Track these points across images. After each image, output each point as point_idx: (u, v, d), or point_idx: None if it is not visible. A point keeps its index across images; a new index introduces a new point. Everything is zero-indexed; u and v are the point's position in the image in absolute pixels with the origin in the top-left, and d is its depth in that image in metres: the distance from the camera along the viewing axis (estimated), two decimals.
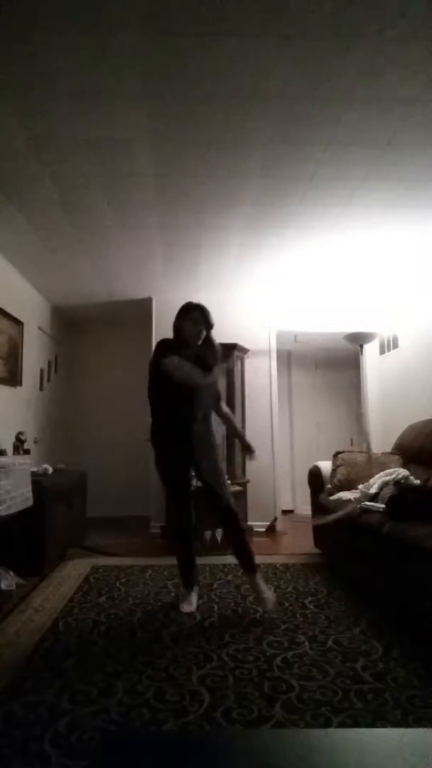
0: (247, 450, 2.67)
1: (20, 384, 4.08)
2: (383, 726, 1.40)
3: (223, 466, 2.71)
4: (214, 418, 2.58)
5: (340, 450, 3.64)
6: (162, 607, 2.43)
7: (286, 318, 4.97)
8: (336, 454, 3.52)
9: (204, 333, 2.44)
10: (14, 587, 2.65)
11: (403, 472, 2.86)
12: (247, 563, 2.38)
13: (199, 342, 2.45)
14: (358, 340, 4.81)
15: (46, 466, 3.47)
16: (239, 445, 4.60)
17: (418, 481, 2.76)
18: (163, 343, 2.46)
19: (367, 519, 2.52)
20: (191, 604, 2.40)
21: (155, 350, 2.48)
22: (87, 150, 2.41)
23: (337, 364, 6.11)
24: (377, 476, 2.92)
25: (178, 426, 2.42)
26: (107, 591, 2.67)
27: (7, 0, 1.59)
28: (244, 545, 2.39)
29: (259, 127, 2.23)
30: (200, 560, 3.26)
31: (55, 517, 3.16)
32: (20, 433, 3.60)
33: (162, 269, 4.11)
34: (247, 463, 4.66)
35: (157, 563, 3.24)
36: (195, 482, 2.54)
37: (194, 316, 2.43)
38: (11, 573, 2.71)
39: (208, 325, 2.44)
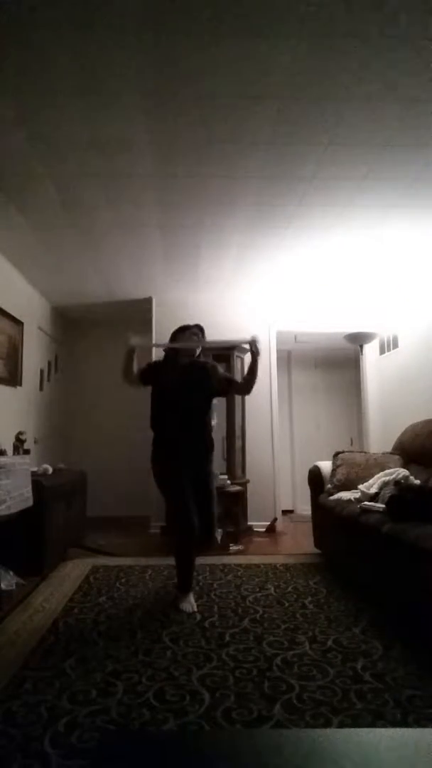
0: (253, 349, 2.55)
1: (20, 384, 4.08)
2: (383, 726, 1.40)
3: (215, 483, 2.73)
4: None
5: (340, 450, 3.64)
6: (162, 607, 2.43)
7: (286, 318, 4.97)
8: (336, 454, 3.52)
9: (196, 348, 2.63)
10: (14, 587, 2.65)
11: (403, 472, 2.86)
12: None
13: (193, 352, 2.62)
14: (358, 340, 4.80)
15: (46, 466, 3.47)
16: (239, 446, 4.61)
17: (418, 481, 2.76)
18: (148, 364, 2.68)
19: (367, 519, 2.52)
20: (191, 603, 2.40)
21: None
22: (87, 150, 2.41)
23: (337, 364, 6.11)
24: (377, 476, 2.92)
25: (168, 431, 2.54)
26: (107, 591, 2.67)
27: (7, 0, 1.59)
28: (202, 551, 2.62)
29: (259, 127, 2.23)
30: (199, 560, 3.27)
31: (55, 517, 3.16)
32: (20, 433, 3.60)
33: (162, 269, 4.11)
34: (248, 462, 4.67)
35: (157, 563, 3.24)
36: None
37: (194, 331, 2.63)
38: (11, 573, 2.71)
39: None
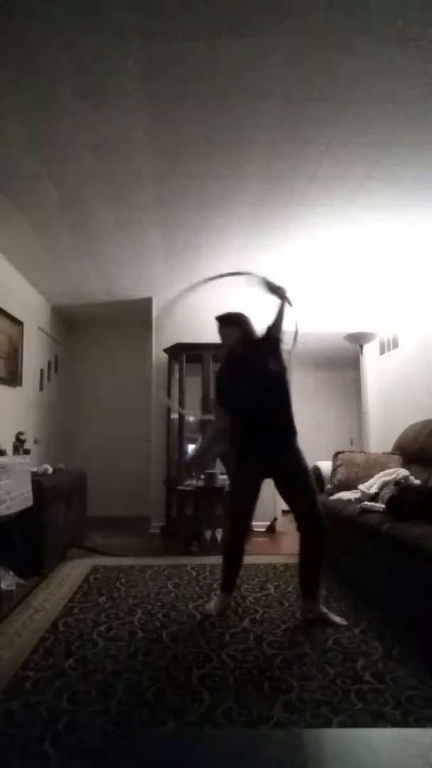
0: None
1: (20, 384, 4.08)
2: (383, 726, 1.40)
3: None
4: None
5: (341, 450, 3.64)
6: (162, 607, 2.43)
7: (286, 318, 4.96)
8: (336, 454, 3.52)
9: (233, 335, 2.64)
10: (14, 587, 2.65)
11: (403, 472, 2.86)
12: (312, 590, 2.25)
13: (233, 341, 2.62)
14: (358, 340, 4.80)
15: (46, 466, 3.47)
16: None
17: (418, 481, 2.76)
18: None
19: (367, 519, 2.52)
20: (217, 606, 2.35)
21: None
22: (87, 150, 2.41)
23: (337, 364, 6.11)
24: (377, 476, 2.92)
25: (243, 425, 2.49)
26: (107, 591, 2.67)
27: (7, 0, 1.59)
28: (316, 569, 2.29)
29: (259, 127, 2.23)
30: (199, 560, 3.28)
31: (55, 517, 3.16)
32: (20, 433, 3.60)
33: (162, 269, 4.11)
34: None
35: (157, 563, 3.24)
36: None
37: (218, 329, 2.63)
38: (11, 573, 2.71)
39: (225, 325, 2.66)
